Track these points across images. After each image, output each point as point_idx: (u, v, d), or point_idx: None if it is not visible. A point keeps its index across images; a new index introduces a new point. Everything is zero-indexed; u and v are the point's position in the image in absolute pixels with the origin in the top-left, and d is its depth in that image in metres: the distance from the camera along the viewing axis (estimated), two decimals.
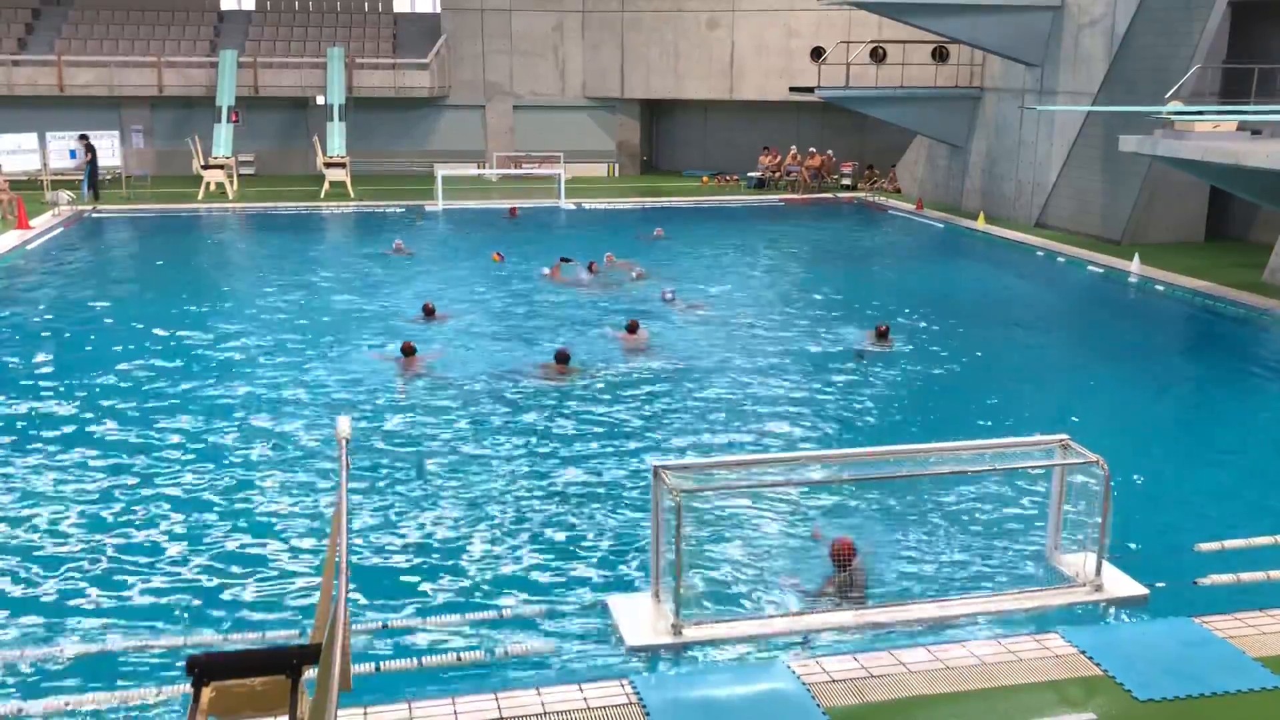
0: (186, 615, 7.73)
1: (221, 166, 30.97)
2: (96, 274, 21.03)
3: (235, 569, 8.42)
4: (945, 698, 6.46)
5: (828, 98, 29.21)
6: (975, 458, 8.46)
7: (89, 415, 12.03)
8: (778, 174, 34.80)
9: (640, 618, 7.44)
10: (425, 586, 8.21)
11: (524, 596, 8.03)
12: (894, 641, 7.22)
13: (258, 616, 7.69)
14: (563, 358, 13.88)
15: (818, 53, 32.52)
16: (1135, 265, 20.51)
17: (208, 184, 30.38)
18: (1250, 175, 16.94)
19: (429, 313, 16.78)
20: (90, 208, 28.03)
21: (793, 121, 36.32)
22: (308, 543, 8.88)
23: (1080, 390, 13.96)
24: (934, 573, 8.45)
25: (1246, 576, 8.12)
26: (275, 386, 13.24)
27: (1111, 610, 7.74)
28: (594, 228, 26.93)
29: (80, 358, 14.56)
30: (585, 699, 6.38)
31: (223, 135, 32.18)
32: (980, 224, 26.62)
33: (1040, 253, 23.52)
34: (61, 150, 29.63)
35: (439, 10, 36.89)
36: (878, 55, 31.20)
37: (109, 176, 30.72)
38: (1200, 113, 18.57)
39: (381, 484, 10.14)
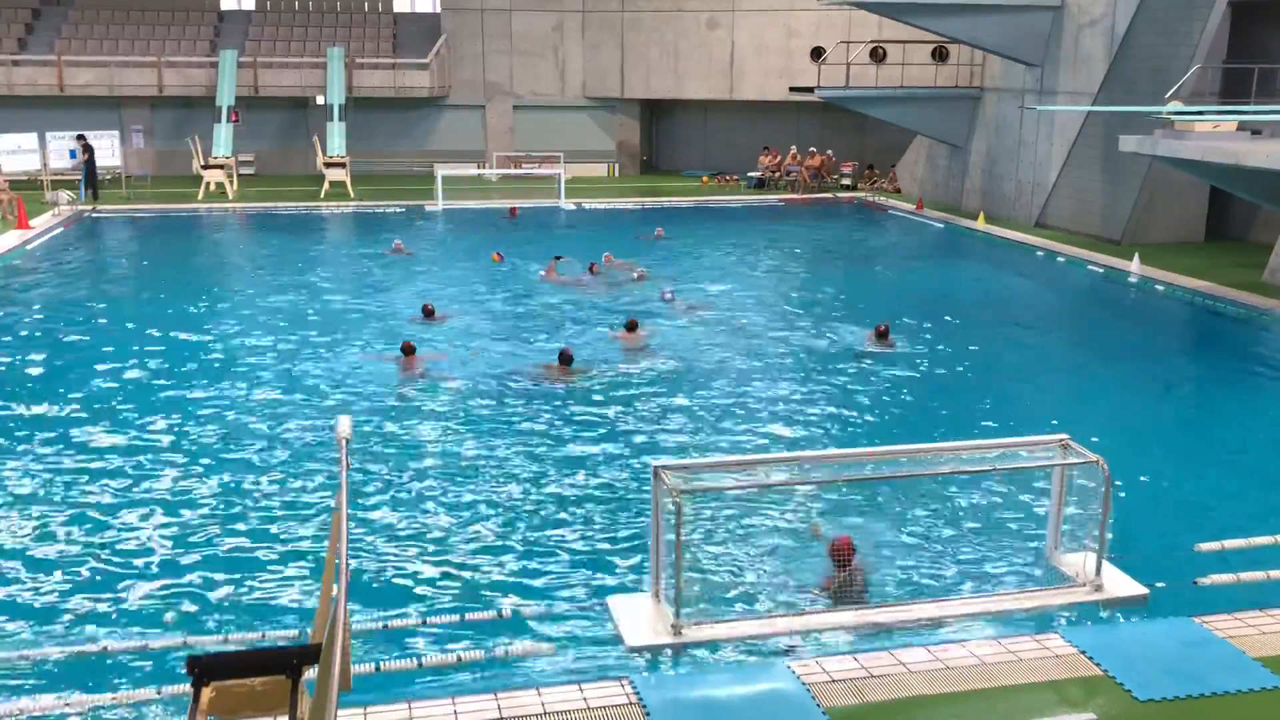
0: (186, 615, 7.72)
1: (221, 166, 30.97)
2: (96, 274, 21.05)
3: (235, 569, 8.42)
4: (945, 698, 6.47)
5: (828, 98, 29.21)
6: (975, 458, 8.45)
7: (89, 415, 12.02)
8: (778, 174, 34.79)
9: (640, 618, 7.44)
10: (425, 587, 8.21)
11: (524, 597, 8.03)
12: (894, 641, 7.22)
13: (257, 617, 7.68)
14: (566, 358, 13.85)
15: (818, 53, 32.52)
16: (1135, 265, 20.50)
17: (208, 184, 30.38)
18: (1250, 175, 16.94)
19: (428, 313, 16.78)
20: (90, 208, 28.03)
21: (793, 121, 36.31)
22: (308, 543, 8.88)
23: (1080, 390, 13.96)
24: (934, 572, 8.45)
25: (1246, 576, 8.11)
26: (276, 386, 13.24)
27: (1111, 610, 7.74)
28: (594, 228, 26.91)
29: (80, 357, 14.56)
30: (585, 699, 6.38)
31: (223, 135, 32.18)
32: (980, 224, 26.61)
33: (1040, 253, 23.52)
34: (61, 150, 29.61)
35: (439, 10, 36.88)
36: (878, 55, 31.20)
37: (109, 176, 30.71)
38: (1200, 113, 18.56)
39: (382, 484, 10.14)
